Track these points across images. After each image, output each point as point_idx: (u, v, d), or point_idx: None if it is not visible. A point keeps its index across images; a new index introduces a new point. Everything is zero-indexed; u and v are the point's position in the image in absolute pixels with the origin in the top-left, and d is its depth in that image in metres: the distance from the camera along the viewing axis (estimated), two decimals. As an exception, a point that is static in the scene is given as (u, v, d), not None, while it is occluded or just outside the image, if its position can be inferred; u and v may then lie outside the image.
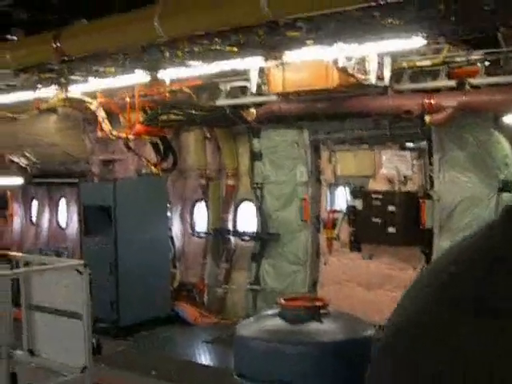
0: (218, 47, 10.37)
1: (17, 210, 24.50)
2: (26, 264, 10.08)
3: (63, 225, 22.66)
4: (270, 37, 9.83)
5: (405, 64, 12.97)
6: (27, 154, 21.43)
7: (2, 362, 9.61)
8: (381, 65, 12.36)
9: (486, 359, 1.09)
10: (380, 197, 13.70)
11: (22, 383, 9.58)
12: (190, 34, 9.34)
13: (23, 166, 22.61)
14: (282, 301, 7.50)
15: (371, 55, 12.06)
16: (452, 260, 1.26)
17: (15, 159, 22.43)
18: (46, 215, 23.30)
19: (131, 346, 15.21)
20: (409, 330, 1.22)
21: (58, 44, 10.08)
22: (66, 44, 10.06)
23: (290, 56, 11.42)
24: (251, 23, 8.58)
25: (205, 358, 14.68)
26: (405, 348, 1.21)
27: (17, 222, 24.45)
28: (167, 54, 11.00)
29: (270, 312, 7.82)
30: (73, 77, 14.29)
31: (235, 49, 10.66)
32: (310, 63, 12.38)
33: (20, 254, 11.53)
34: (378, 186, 14.20)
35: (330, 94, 13.34)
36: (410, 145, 13.89)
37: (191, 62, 12.23)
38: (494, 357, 1.09)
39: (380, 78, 12.48)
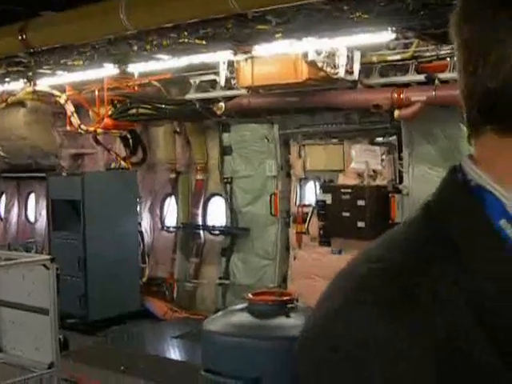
0: (186, 40, 10.31)
1: (-15, 204, 24.29)
2: (-7, 259, 9.99)
3: (32, 219, 22.53)
4: (239, 30, 9.79)
5: (374, 58, 12.97)
6: (-5, 148, 21.25)
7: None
8: (350, 59, 12.36)
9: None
10: (349, 191, 13.70)
11: (-11, 379, 9.51)
12: (157, 27, 9.28)
13: (-9, 159, 22.43)
14: (250, 295, 7.48)
15: (341, 49, 12.05)
16: (364, 259, 1.24)
17: (-17, 153, 22.23)
18: (15, 210, 23.13)
19: (100, 341, 15.14)
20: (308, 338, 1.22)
21: (24, 36, 9.97)
22: (32, 36, 9.95)
23: (259, 49, 11.39)
24: (219, 15, 8.53)
25: (174, 353, 14.64)
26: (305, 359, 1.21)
27: (-16, 217, 24.24)
28: (135, 47, 10.93)
29: (237, 307, 7.79)
30: (41, 70, 14.17)
31: (204, 42, 10.61)
32: (279, 57, 12.36)
33: (-14, 249, 11.44)
34: (347, 180, 14.22)
35: (299, 88, 13.32)
36: (379, 139, 13.91)
37: (160, 56, 12.17)
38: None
39: (349, 72, 12.47)
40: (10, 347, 9.39)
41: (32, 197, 22.71)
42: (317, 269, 14.59)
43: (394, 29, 9.71)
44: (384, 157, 13.77)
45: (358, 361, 1.11)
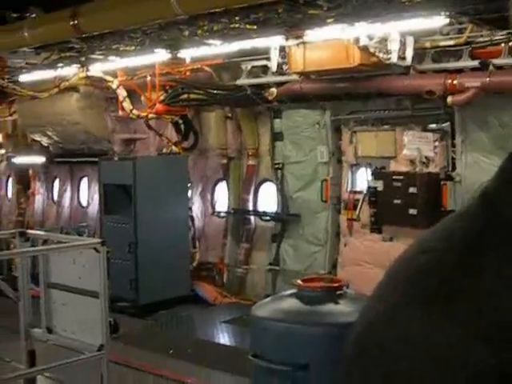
0: (237, 25, 10.29)
1: (39, 188, 24.59)
2: (45, 242, 10.10)
3: (84, 204, 22.75)
4: (290, 15, 9.73)
5: (427, 44, 12.81)
6: (49, 133, 21.48)
7: (21, 340, 9.68)
8: (403, 44, 12.22)
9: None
10: (401, 178, 13.58)
11: (40, 361, 9.62)
12: (208, 12, 9.26)
13: (45, 145, 22.69)
14: (299, 281, 7.45)
15: (393, 34, 11.91)
16: (417, 250, 1.19)
17: (37, 138, 22.50)
18: (68, 194, 23.39)
19: (150, 325, 15.25)
20: (366, 330, 1.16)
21: (76, 21, 10.03)
22: (84, 21, 10.01)
23: (310, 35, 11.32)
24: (270, 0, 8.49)
25: (223, 337, 14.68)
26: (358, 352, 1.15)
27: (39, 201, 24.55)
28: (186, 33, 10.94)
29: (286, 293, 7.77)
30: (93, 55, 14.27)
31: (255, 27, 10.57)
32: (331, 42, 12.27)
33: (39, 232, 11.56)
34: (399, 167, 14.10)
35: (351, 74, 13.23)
36: (432, 126, 13.75)
37: (211, 41, 12.16)
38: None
39: (402, 57, 12.33)
40: (60, 329, 9.49)
41: (84, 181, 22.93)
42: (367, 256, 14.52)
43: (447, 13, 9.57)
44: (437, 143, 13.61)
45: (403, 358, 1.07)
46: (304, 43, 12.65)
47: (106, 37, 11.56)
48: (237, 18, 9.94)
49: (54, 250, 9.47)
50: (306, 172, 16.06)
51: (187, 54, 13.68)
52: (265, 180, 17.40)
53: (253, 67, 15.58)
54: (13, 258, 15.95)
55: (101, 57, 14.52)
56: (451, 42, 12.63)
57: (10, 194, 26.20)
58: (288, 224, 16.48)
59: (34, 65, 15.88)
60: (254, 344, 7.26)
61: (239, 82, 15.63)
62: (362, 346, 1.15)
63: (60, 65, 15.52)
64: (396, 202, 13.57)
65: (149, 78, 16.61)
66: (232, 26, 10.28)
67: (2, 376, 8.37)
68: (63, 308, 9.39)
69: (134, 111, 17.10)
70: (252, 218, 17.48)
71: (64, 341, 9.51)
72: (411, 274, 1.14)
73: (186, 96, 16.60)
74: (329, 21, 10.21)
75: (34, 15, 11.76)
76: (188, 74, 16.51)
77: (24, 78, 17.00)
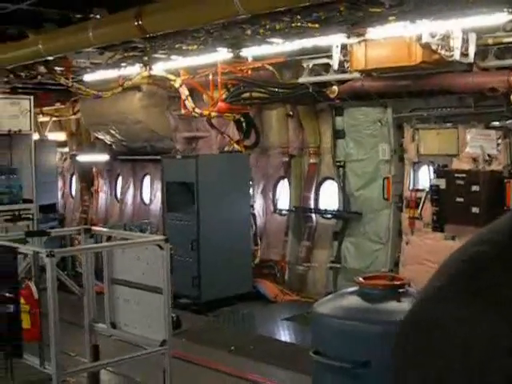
0: (299, 24, 10.31)
1: (102, 186, 24.93)
2: (109, 239, 10.27)
3: (147, 201, 22.99)
4: (352, 13, 9.73)
5: (490, 40, 12.66)
6: (112, 132, 21.75)
7: (85, 335, 9.86)
8: (465, 41, 12.11)
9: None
10: (464, 176, 13.46)
11: (104, 355, 9.79)
12: (270, 11, 9.30)
13: (108, 143, 22.99)
14: (361, 279, 7.46)
15: (455, 31, 11.81)
16: (473, 241, 1.21)
17: (101, 136, 22.81)
18: (131, 191, 23.67)
19: (211, 321, 15.38)
20: (422, 319, 1.19)
21: (140, 21, 10.15)
22: (148, 21, 10.11)
23: (372, 32, 11.29)
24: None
25: (284, 334, 14.72)
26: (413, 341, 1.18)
27: (102, 198, 24.89)
28: (248, 32, 11.00)
29: (348, 290, 7.77)
30: (156, 55, 14.43)
31: (317, 25, 10.58)
32: (392, 40, 12.22)
33: (103, 229, 11.75)
34: (461, 165, 13.97)
35: (412, 71, 13.16)
36: (495, 123, 13.60)
37: (273, 39, 12.21)
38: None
39: (464, 54, 12.22)
40: (123, 324, 9.64)
41: (147, 179, 23.17)
42: (429, 254, 14.42)
43: (510, 10, 9.47)
44: (499, 141, 13.47)
45: (452, 335, 1.10)
46: (365, 41, 12.63)
47: (169, 36, 11.68)
48: (299, 17, 9.97)
49: (118, 247, 9.63)
50: (367, 170, 16.03)
51: (249, 52, 13.73)
52: (326, 178, 17.40)
53: (314, 65, 15.57)
54: (76, 255, 16.21)
55: (164, 56, 14.67)
56: (515, 39, 12.49)
57: (73, 192, 26.60)
58: (349, 222, 16.47)
59: (97, 64, 16.11)
60: (315, 341, 7.29)
61: (301, 79, 15.64)
62: (414, 321, 1.19)
63: (123, 64, 15.70)
64: (458, 200, 13.46)
65: (211, 77, 16.71)
66: (294, 24, 10.30)
67: (67, 370, 8.52)
68: (126, 303, 9.54)
69: (197, 109, 17.23)
70: (313, 215, 17.50)
71: (127, 336, 9.68)
72: (461, 262, 1.18)
73: (247, 94, 16.69)
74: (391, 18, 10.18)
75: (98, 16, 11.94)
76: (250, 72, 16.58)
77: (88, 77, 17.25)
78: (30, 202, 14.87)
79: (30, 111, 15.08)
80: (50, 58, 13.88)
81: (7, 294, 8.45)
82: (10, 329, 8.59)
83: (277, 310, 16.22)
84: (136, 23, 10.23)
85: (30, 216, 14.81)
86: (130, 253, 9.37)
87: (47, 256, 7.89)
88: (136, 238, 10.16)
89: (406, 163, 15.33)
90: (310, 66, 15.61)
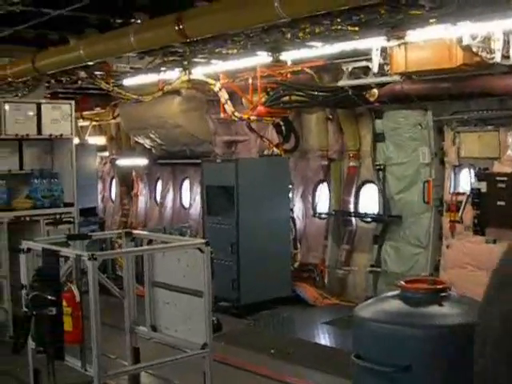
0: (339, 27, 10.28)
1: (142, 189, 25.08)
2: (150, 242, 10.32)
3: (186, 205, 23.08)
4: (392, 15, 9.67)
5: (532, 42, 12.56)
6: (152, 136, 21.87)
7: (126, 337, 9.92)
8: (507, 43, 11.99)
9: None
10: (505, 179, 13.34)
11: (143, 357, 9.84)
12: (310, 14, 9.28)
13: (148, 147, 23.11)
14: (402, 283, 7.41)
15: (497, 33, 11.71)
16: None
17: (140, 140, 22.95)
18: (170, 195, 23.78)
19: (251, 324, 15.39)
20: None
21: (181, 26, 10.18)
22: (189, 26, 10.14)
23: (412, 35, 11.23)
24: (372, 2, 8.45)
25: (324, 338, 14.69)
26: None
27: (141, 202, 25.04)
28: (288, 35, 10.98)
29: (389, 294, 7.72)
30: (196, 59, 14.48)
31: (356, 28, 10.55)
32: (432, 42, 12.15)
33: (144, 232, 11.81)
34: (503, 168, 13.84)
35: (453, 74, 13.06)
36: (537, 126, 13.49)
37: (312, 43, 12.19)
38: None
39: (506, 56, 12.10)
40: (164, 327, 9.68)
41: (186, 183, 23.26)
42: (470, 258, 14.32)
43: (553, 11, 9.37)
44: (542, 144, 13.35)
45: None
46: (405, 43, 12.57)
47: (209, 41, 11.70)
48: (339, 20, 9.94)
49: (159, 250, 9.67)
50: (407, 173, 15.95)
51: (288, 56, 13.73)
52: (366, 181, 17.35)
53: (354, 68, 15.53)
54: (117, 258, 16.32)
55: (203, 60, 14.71)
56: (558, 41, 12.35)
57: (113, 195, 26.80)
58: (389, 225, 16.39)
59: (137, 69, 16.21)
60: (356, 345, 7.26)
61: (340, 83, 15.60)
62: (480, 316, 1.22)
63: (163, 69, 15.78)
64: (500, 203, 13.33)
65: (250, 81, 16.74)
66: (334, 27, 10.27)
67: (108, 372, 8.57)
68: (167, 306, 9.58)
69: (236, 113, 17.27)
70: (353, 219, 17.46)
71: (167, 339, 9.71)
72: None
73: (287, 98, 16.69)
74: (431, 21, 10.11)
75: (139, 21, 12.00)
76: (289, 76, 16.58)
77: (128, 81, 17.36)
78: (71, 205, 14.96)
79: (71, 116, 15.18)
80: (91, 63, 13.98)
81: (49, 297, 8.52)
82: (52, 331, 8.65)
83: (316, 313, 16.20)
84: (177, 28, 10.26)
85: (71, 219, 14.90)
86: (170, 256, 9.41)
87: (89, 259, 7.94)
88: (176, 241, 10.20)
89: (446, 166, 15.23)
90: (350, 69, 15.56)
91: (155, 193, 24.74)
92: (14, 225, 14.11)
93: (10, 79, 15.88)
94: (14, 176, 14.81)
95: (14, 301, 13.31)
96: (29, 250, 9.37)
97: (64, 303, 8.45)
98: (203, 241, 9.12)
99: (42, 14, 12.32)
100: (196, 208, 21.95)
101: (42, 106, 14.90)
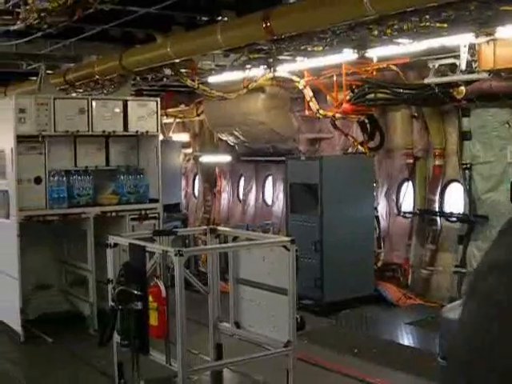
0: (427, 24, 10.14)
1: (224, 186, 25.20)
2: (234, 239, 10.36)
3: (269, 202, 23.10)
4: (482, 12, 9.51)
5: None
6: (235, 133, 21.96)
7: (209, 333, 9.98)
8: None
9: None
10: None
11: (227, 354, 9.88)
12: (400, 11, 9.19)
13: (231, 144, 23.21)
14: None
15: None
16: None
17: (224, 137, 23.06)
18: (253, 192, 23.82)
19: (333, 323, 15.32)
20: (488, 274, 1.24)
21: (268, 24, 10.19)
22: (276, 23, 10.15)
23: (502, 31, 11.03)
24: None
25: (407, 339, 14.52)
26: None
27: (224, 199, 25.16)
28: (375, 32, 10.89)
29: (477, 295, 7.60)
30: (281, 56, 14.49)
31: (445, 25, 10.40)
32: (523, 39, 11.93)
33: (229, 229, 11.86)
34: None
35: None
36: None
37: (399, 40, 12.07)
38: None
39: None
40: (247, 324, 9.71)
41: (269, 180, 23.28)
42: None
43: None
44: None
45: None
46: (494, 40, 12.35)
47: (294, 38, 11.69)
48: (427, 17, 9.81)
49: (245, 247, 9.70)
50: (494, 172, 15.65)
51: (374, 53, 13.63)
52: (452, 180, 17.09)
53: (440, 65, 15.30)
54: (200, 254, 16.42)
55: (289, 58, 14.72)
56: None
57: (196, 192, 26.99)
58: (475, 225, 16.10)
59: (222, 66, 16.31)
60: (443, 346, 7.17)
61: (427, 80, 15.39)
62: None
63: (248, 66, 15.83)
64: None
65: (335, 78, 16.67)
66: (422, 24, 10.15)
67: (191, 367, 8.63)
68: (250, 303, 9.61)
69: (321, 111, 17.22)
70: (438, 218, 17.21)
71: (251, 336, 9.73)
72: None
73: (372, 95, 16.56)
74: (522, 17, 9.93)
75: (226, 18, 12.06)
76: (374, 73, 16.45)
77: (213, 79, 17.48)
78: (156, 201, 15.13)
79: (157, 113, 15.34)
80: (177, 60, 14.11)
81: (136, 292, 8.64)
82: (137, 325, 8.78)
83: (399, 313, 16.03)
84: (264, 25, 10.28)
85: (156, 215, 15.06)
86: (255, 253, 9.43)
87: (175, 255, 8.01)
88: (261, 238, 10.22)
89: (535, 166, 14.92)
90: (436, 67, 15.34)
91: (238, 190, 24.82)
92: (100, 220, 14.33)
93: (96, 77, 16.14)
94: (101, 172, 15.03)
95: (99, 295, 13.53)
96: (115, 244, 9.51)
97: (150, 298, 8.56)
98: (289, 239, 9.12)
99: (129, 13, 12.50)
100: (278, 205, 21.96)
101: (129, 103, 15.10)
